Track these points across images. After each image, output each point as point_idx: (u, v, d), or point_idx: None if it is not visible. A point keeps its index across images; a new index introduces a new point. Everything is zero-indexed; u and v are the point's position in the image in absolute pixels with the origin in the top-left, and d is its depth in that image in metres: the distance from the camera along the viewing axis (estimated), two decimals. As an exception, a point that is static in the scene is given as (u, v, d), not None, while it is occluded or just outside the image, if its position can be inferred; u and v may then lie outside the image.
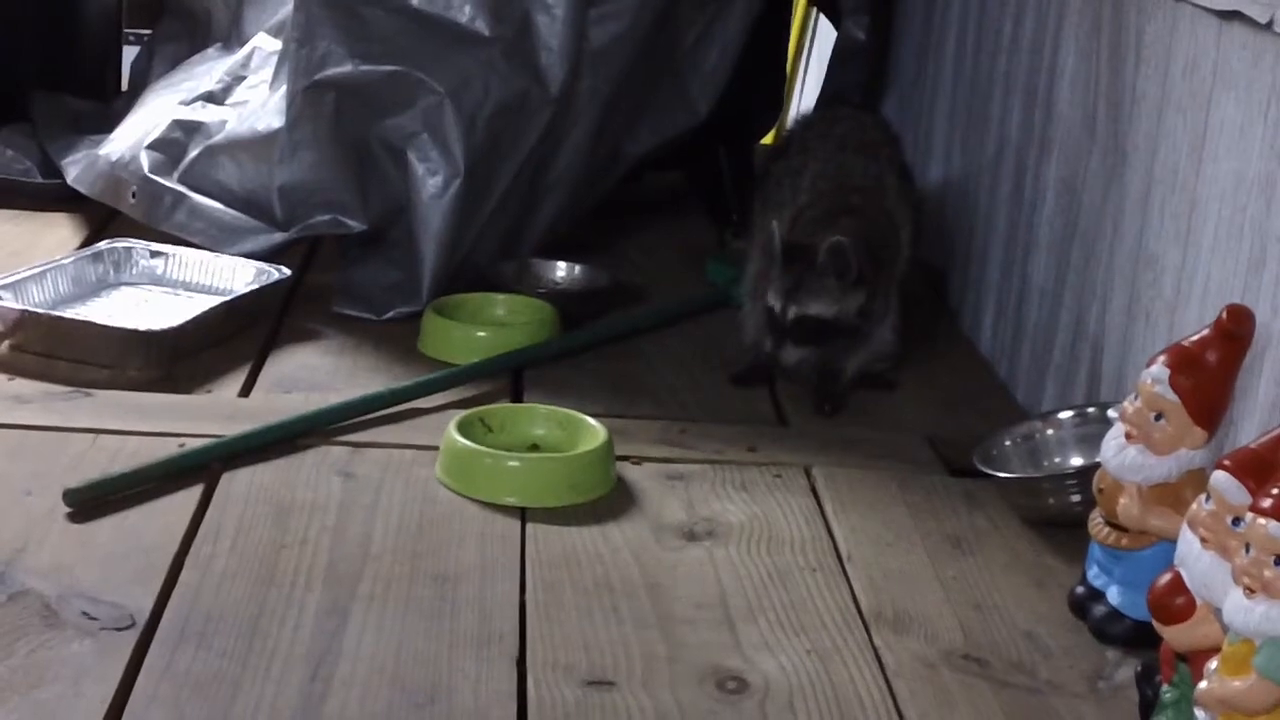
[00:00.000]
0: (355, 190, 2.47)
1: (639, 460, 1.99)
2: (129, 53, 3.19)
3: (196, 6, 3.03)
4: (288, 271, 2.40)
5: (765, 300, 2.19)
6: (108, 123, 2.83)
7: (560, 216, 2.62)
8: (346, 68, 2.44)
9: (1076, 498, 1.81)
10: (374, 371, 2.22)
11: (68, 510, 1.76)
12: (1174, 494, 1.57)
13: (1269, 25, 1.63)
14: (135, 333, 2.17)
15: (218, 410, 2.05)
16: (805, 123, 2.53)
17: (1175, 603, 1.39)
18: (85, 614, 1.56)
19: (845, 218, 2.20)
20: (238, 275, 2.40)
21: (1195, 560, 1.38)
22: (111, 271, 2.44)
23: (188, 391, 2.12)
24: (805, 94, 4.25)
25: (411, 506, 1.84)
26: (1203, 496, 1.38)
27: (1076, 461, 1.93)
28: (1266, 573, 1.26)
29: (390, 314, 2.41)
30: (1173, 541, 1.43)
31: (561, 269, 2.58)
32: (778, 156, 2.46)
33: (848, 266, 2.14)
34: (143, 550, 1.70)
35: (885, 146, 2.41)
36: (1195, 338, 1.57)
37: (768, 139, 3.36)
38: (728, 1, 2.69)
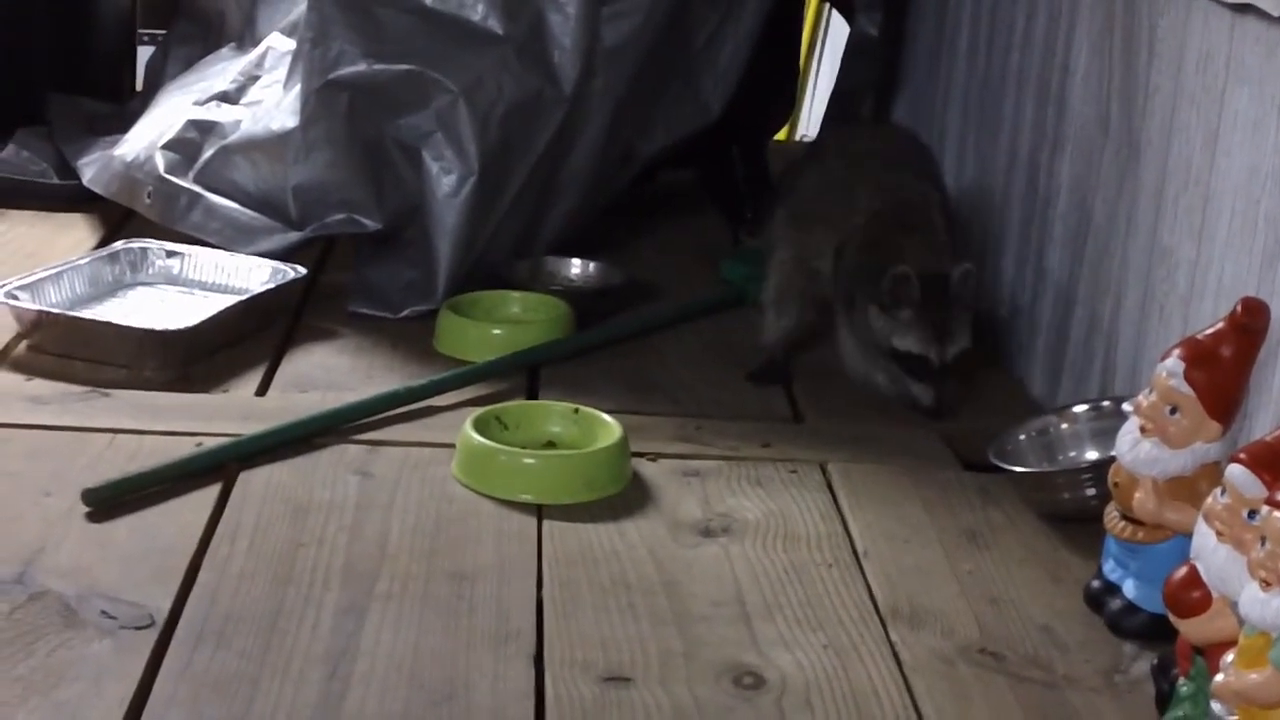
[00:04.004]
0: (370, 189, 2.48)
1: (654, 457, 2.00)
2: (143, 54, 3.19)
3: (210, 7, 3.03)
4: (303, 270, 2.41)
5: (894, 345, 2.14)
6: (123, 124, 2.84)
7: (574, 214, 2.62)
8: (360, 67, 2.45)
9: (1092, 492, 1.81)
10: (390, 370, 2.22)
11: (86, 510, 1.76)
12: (1189, 488, 1.57)
13: None
14: (151, 332, 2.18)
15: (234, 410, 2.06)
16: (843, 136, 2.49)
17: (1191, 596, 1.39)
18: (104, 614, 1.56)
19: (908, 237, 2.17)
20: (253, 275, 2.41)
21: (1211, 553, 1.38)
22: (128, 272, 2.44)
23: (204, 391, 2.12)
24: (818, 91, 4.25)
25: (428, 505, 1.84)
26: (1218, 490, 1.38)
27: (1092, 456, 1.93)
28: None
29: (406, 312, 2.41)
30: (1188, 535, 1.43)
31: (576, 267, 2.58)
32: (807, 170, 2.43)
33: (974, 291, 2.14)
34: (161, 550, 1.70)
35: (927, 162, 2.40)
36: (1210, 331, 1.57)
37: (780, 136, 3.36)
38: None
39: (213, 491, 1.84)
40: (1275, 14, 1.65)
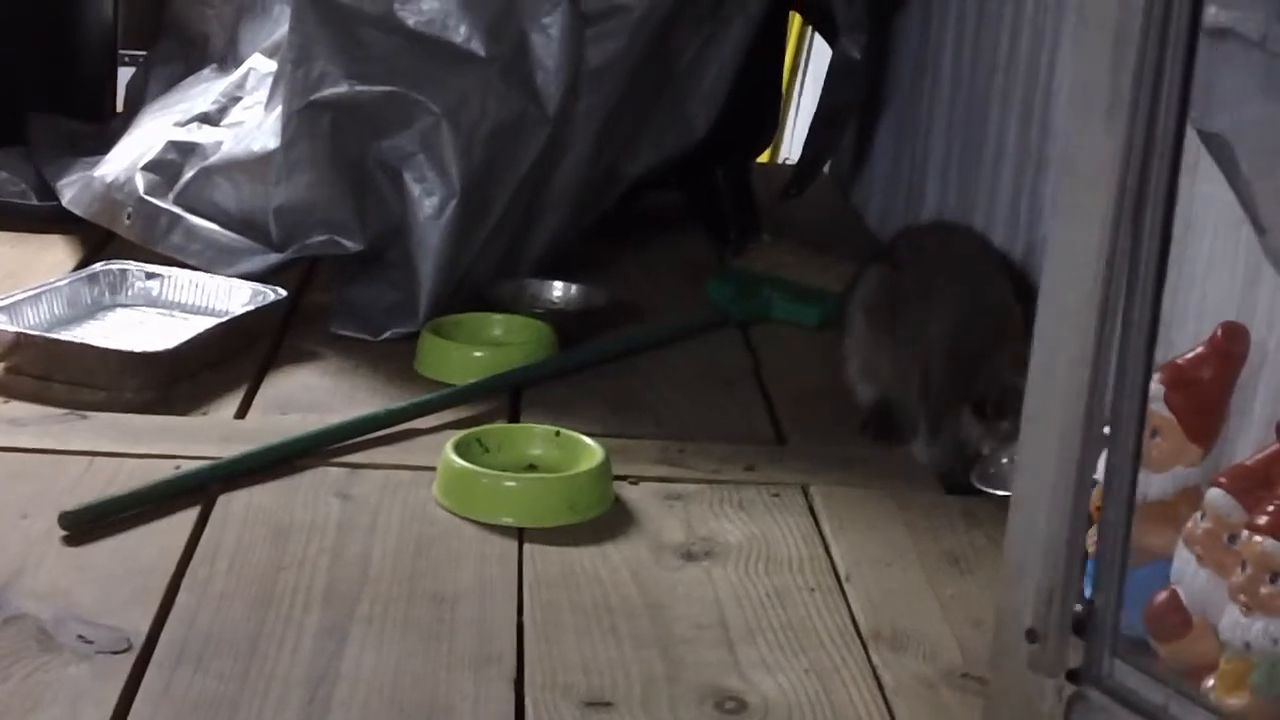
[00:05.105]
0: (352, 211, 2.47)
1: (636, 480, 1.99)
2: (124, 74, 3.19)
3: (192, 28, 3.03)
4: (284, 292, 2.40)
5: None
6: (103, 144, 2.83)
7: (558, 236, 2.62)
8: (343, 88, 2.44)
9: (1074, 515, 1.81)
10: (371, 392, 2.22)
11: (64, 533, 1.75)
12: (1170, 511, 1.56)
13: (1261, 43, 1.63)
14: (131, 354, 2.17)
15: (214, 432, 2.05)
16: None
17: (1172, 621, 1.39)
18: (81, 637, 1.55)
19: (1005, 346, 2.01)
20: (234, 296, 2.40)
21: (1191, 578, 1.38)
22: (107, 293, 2.43)
23: (184, 413, 2.11)
24: (800, 114, 4.25)
25: (409, 527, 1.84)
26: (1198, 514, 1.38)
27: (1074, 479, 1.93)
28: (1263, 590, 1.26)
29: (387, 334, 2.41)
30: (1169, 559, 1.43)
31: (559, 288, 2.58)
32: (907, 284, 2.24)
33: None
34: (139, 573, 1.69)
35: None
36: (1190, 355, 1.57)
37: (763, 159, 3.36)
38: (725, 20, 2.69)
39: (192, 514, 1.83)
40: (1255, 39, 1.64)
